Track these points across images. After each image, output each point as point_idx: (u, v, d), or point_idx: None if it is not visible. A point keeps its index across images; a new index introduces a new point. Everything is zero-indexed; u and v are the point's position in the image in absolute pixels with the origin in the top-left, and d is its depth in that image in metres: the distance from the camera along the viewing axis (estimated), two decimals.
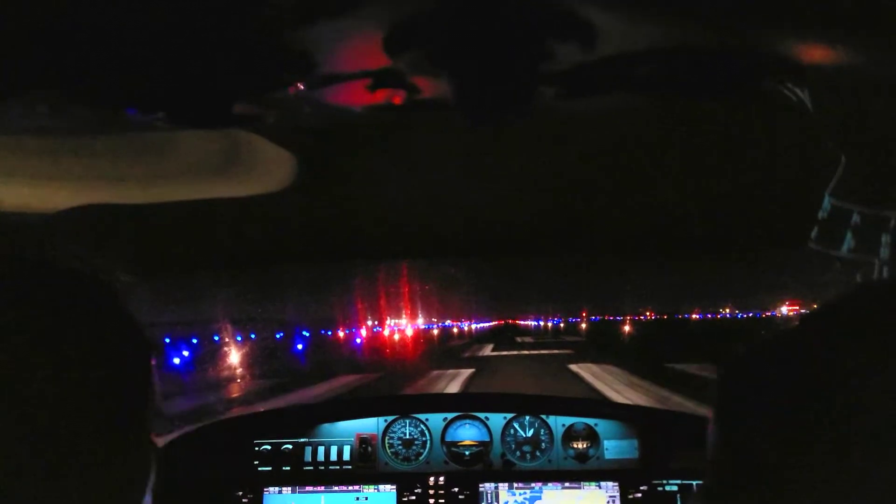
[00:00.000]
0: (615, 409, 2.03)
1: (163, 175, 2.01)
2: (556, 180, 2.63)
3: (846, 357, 0.48)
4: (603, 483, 1.93)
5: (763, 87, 1.54)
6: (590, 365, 19.03)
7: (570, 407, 2.05)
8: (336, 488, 1.97)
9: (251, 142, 1.98)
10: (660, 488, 1.90)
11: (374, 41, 1.06)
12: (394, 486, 1.97)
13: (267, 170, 2.13)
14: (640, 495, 1.90)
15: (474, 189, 2.56)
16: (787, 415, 0.49)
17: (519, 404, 2.07)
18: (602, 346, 29.58)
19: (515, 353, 28.66)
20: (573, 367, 19.06)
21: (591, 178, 2.52)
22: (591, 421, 2.01)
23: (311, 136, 1.95)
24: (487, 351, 30.24)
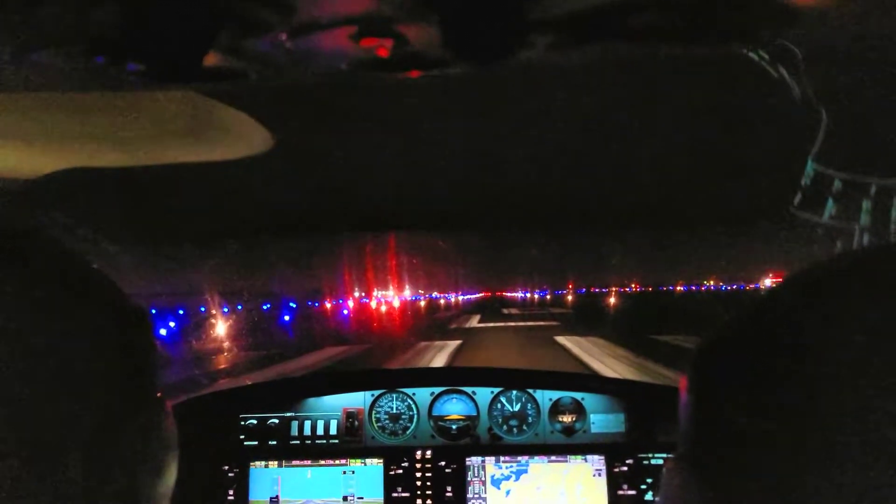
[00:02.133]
0: (602, 384, 2.04)
1: (142, 140, 1.97)
2: (544, 152, 2.61)
3: (812, 328, 0.48)
4: (589, 456, 1.94)
5: (744, 52, 1.52)
6: (577, 338, 19.19)
7: (557, 381, 2.05)
8: (323, 462, 1.97)
9: (232, 107, 1.93)
10: (645, 462, 1.92)
11: None
12: (381, 460, 1.97)
13: (250, 137, 2.08)
14: (625, 468, 1.91)
15: (462, 160, 2.53)
16: (757, 386, 0.50)
17: (506, 378, 2.07)
18: (588, 319, 29.87)
19: (502, 324, 28.82)
20: (560, 339, 19.22)
21: (576, 150, 2.50)
22: (577, 395, 2.02)
23: (295, 99, 1.90)
24: (474, 322, 30.38)
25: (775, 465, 0.47)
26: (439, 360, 14.73)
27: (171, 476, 0.65)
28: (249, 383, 2.24)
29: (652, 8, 1.30)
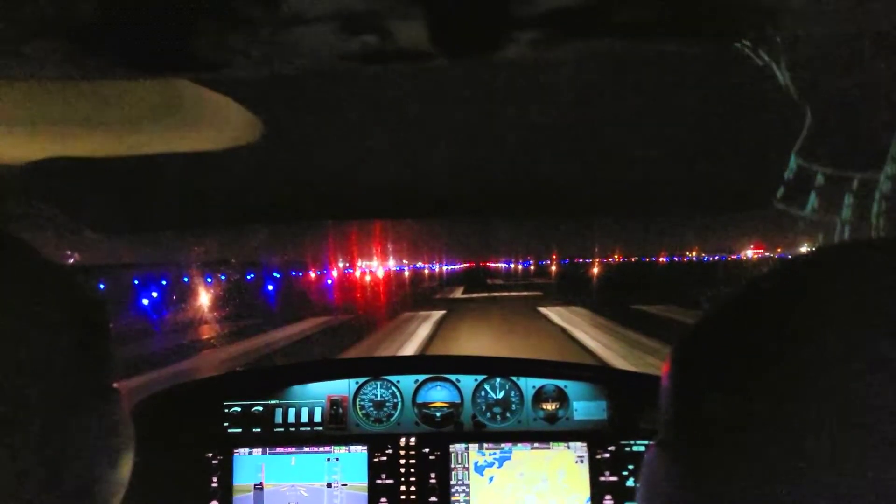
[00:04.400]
0: (585, 372, 2.05)
1: (123, 128, 1.93)
2: (530, 139, 2.59)
3: (796, 316, 0.49)
4: (572, 443, 1.97)
5: (731, 46, 1.52)
6: (559, 308, 19.33)
7: (540, 369, 2.07)
8: (307, 449, 1.97)
9: (215, 94, 1.89)
10: (627, 448, 1.95)
11: None
12: (365, 447, 1.98)
13: (233, 125, 2.05)
14: (608, 455, 1.94)
15: (444, 144, 2.51)
16: (739, 373, 0.51)
17: (490, 367, 2.08)
18: (571, 288, 30.10)
19: (486, 294, 28.99)
20: (543, 309, 19.34)
21: (559, 137, 2.49)
22: (561, 383, 2.04)
23: (279, 88, 1.87)
24: (458, 293, 30.53)
25: (756, 451, 0.47)
26: (423, 331, 14.81)
27: (126, 467, 0.67)
28: (233, 371, 2.22)
29: (638, 4, 1.28)
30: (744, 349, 0.51)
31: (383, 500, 1.94)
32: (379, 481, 1.96)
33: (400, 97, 2.03)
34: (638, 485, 0.63)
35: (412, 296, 29.10)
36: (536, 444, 1.97)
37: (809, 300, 0.49)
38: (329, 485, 1.95)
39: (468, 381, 2.05)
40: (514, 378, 2.05)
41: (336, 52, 1.37)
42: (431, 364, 2.10)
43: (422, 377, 2.06)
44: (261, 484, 1.94)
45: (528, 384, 2.04)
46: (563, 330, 14.74)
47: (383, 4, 1.15)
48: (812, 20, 1.49)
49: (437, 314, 18.35)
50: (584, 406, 2.02)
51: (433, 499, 1.95)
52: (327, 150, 2.37)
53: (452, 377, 2.06)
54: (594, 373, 2.06)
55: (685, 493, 0.53)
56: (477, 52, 1.47)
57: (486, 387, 2.05)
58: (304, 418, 2.02)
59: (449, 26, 1.30)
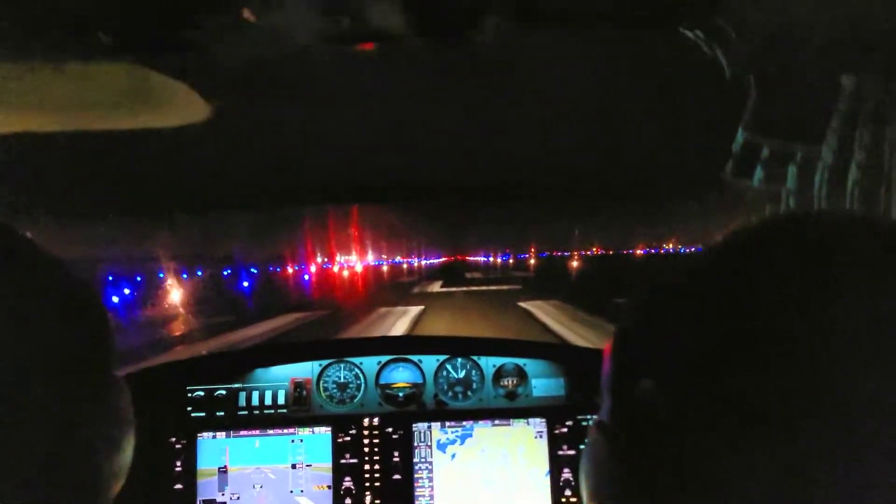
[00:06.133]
0: (543, 349, 2.10)
1: (97, 109, 1.92)
2: (498, 125, 2.62)
3: (726, 306, 0.49)
4: (531, 420, 2.01)
5: (679, 30, 1.56)
6: (540, 302, 19.08)
7: (500, 348, 2.11)
8: (271, 431, 1.99)
9: (187, 79, 1.88)
10: (584, 423, 2.00)
11: None
12: (329, 428, 2.01)
13: (207, 108, 2.04)
14: (565, 430, 1.99)
15: (422, 132, 2.53)
16: (675, 363, 0.51)
17: (451, 347, 2.11)
18: (551, 282, 30.04)
19: (465, 288, 28.85)
20: (524, 304, 19.04)
21: (525, 124, 2.52)
22: (520, 361, 2.08)
23: (253, 73, 1.87)
24: (437, 287, 30.40)
25: (687, 443, 0.48)
26: (401, 327, 14.52)
27: (128, 453, 0.68)
28: (196, 355, 2.22)
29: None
30: (679, 342, 0.51)
31: (347, 479, 1.97)
32: (343, 461, 1.98)
33: (371, 81, 2.04)
34: (582, 460, 0.65)
35: (390, 290, 28.86)
36: (497, 421, 2.02)
37: (743, 295, 0.48)
38: (293, 466, 1.98)
39: (430, 362, 2.08)
40: (474, 357, 2.09)
41: (311, 34, 1.38)
42: (394, 345, 2.13)
43: (384, 358, 2.09)
44: (225, 467, 1.96)
45: (489, 363, 2.08)
46: (544, 325, 14.48)
47: None
48: (754, 4, 1.54)
49: (415, 310, 17.93)
50: (543, 383, 2.06)
51: (397, 477, 1.98)
52: (302, 135, 2.37)
53: (415, 358, 2.09)
54: (553, 351, 2.11)
55: (628, 481, 0.54)
56: (448, 34, 1.50)
57: (448, 366, 2.08)
58: (268, 401, 2.04)
59: (422, 8, 1.32)
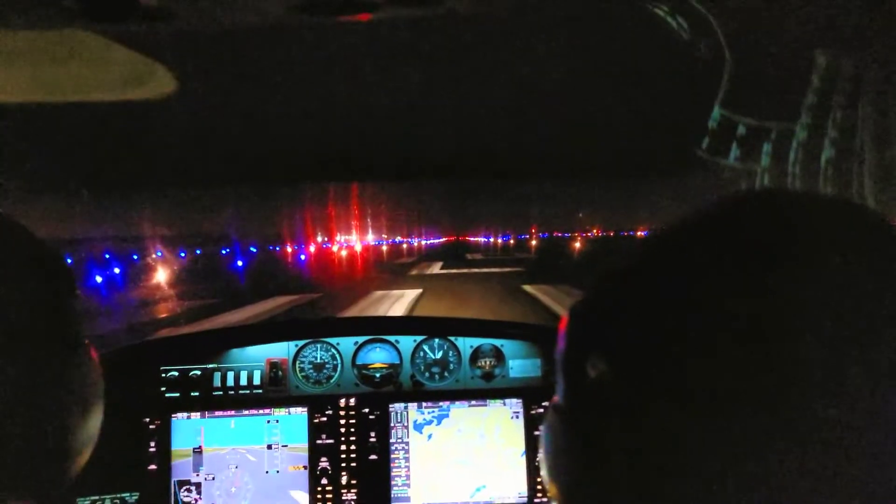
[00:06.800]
0: (520, 330, 2.08)
1: (81, 79, 1.88)
2: (489, 102, 2.58)
3: (669, 289, 0.48)
4: (507, 400, 2.01)
5: (649, 7, 1.53)
6: (548, 287, 17.57)
7: (478, 328, 2.09)
8: (246, 412, 1.98)
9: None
10: None
11: None
12: (305, 409, 2.00)
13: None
14: (541, 410, 1.98)
15: (423, 108, 2.49)
16: (624, 346, 0.50)
17: (429, 327, 2.10)
18: (553, 263, 29.65)
19: (465, 270, 28.38)
20: (529, 288, 17.94)
21: (513, 102, 2.48)
22: (497, 342, 2.06)
23: (241, 41, 1.83)
24: (436, 269, 30.04)
25: (638, 422, 0.48)
26: (397, 312, 14.10)
27: (97, 417, 0.70)
28: (170, 336, 2.21)
29: None
30: (629, 320, 0.51)
31: (324, 459, 1.97)
32: (319, 441, 1.98)
33: (360, 56, 2.00)
34: (541, 440, 0.64)
35: (386, 272, 28.23)
36: (474, 402, 2.01)
37: (693, 272, 0.48)
38: (269, 446, 1.97)
39: (407, 342, 2.07)
40: (451, 338, 2.07)
41: (283, 4, 1.35)
42: (371, 325, 2.11)
43: (361, 339, 2.07)
44: (200, 448, 1.95)
45: (466, 344, 2.07)
46: (549, 310, 13.79)
47: None
48: None
49: (413, 293, 17.04)
50: (520, 364, 2.05)
51: (373, 457, 1.98)
52: (291, 108, 2.33)
53: (392, 338, 2.07)
54: (530, 331, 2.09)
55: (581, 460, 0.54)
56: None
57: (425, 347, 2.07)
58: (244, 381, 2.03)
59: None
